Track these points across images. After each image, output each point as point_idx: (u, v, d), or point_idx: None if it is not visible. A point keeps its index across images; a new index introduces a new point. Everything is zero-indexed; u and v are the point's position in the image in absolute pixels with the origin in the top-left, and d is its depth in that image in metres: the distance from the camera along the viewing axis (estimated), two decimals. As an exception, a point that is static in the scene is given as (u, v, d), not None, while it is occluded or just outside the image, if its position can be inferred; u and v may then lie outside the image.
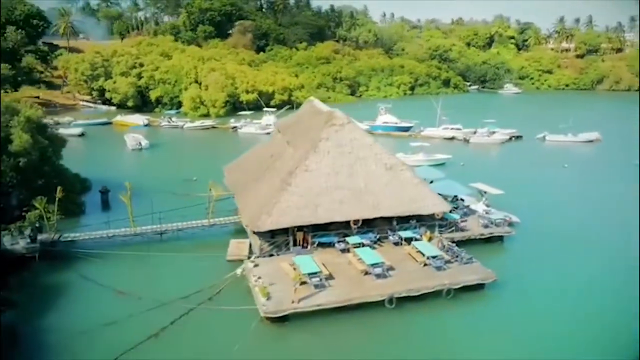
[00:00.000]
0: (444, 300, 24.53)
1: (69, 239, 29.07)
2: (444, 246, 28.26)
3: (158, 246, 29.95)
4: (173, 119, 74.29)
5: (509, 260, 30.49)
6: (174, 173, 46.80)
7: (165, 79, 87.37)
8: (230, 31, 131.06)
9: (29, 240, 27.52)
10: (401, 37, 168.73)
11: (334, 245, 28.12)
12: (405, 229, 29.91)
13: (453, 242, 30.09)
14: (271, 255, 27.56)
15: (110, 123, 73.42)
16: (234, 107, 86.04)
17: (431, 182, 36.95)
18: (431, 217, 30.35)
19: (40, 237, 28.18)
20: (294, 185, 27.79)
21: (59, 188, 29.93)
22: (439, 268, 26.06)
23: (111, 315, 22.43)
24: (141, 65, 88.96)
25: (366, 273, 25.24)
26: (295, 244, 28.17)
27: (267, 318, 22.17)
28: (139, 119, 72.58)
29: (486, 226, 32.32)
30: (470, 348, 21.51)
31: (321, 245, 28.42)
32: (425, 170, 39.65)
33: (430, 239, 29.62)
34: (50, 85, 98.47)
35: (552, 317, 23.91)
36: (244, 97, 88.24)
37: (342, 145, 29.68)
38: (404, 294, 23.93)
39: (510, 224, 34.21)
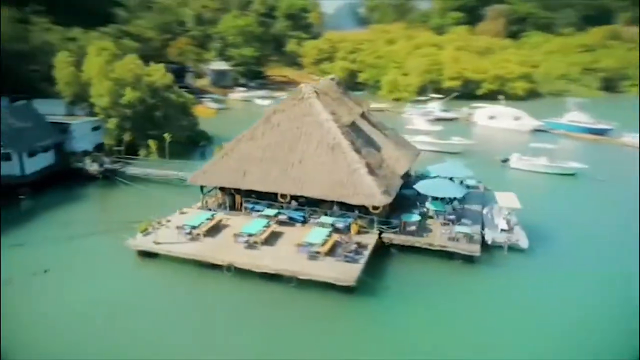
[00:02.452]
0: (286, 288, 22.94)
1: (122, 169, 39.18)
2: (346, 241, 25.24)
3: (171, 189, 36.55)
4: (355, 100, 79.23)
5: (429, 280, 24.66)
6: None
7: (375, 64, 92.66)
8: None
9: (97, 166, 38.78)
10: None
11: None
12: (344, 216, 27.73)
13: (392, 245, 26.43)
14: (209, 209, 30.57)
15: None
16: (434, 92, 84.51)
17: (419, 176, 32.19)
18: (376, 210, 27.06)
19: (107, 165, 39.18)
20: (235, 151, 29.84)
21: (126, 134, 40.39)
22: (310, 257, 24.08)
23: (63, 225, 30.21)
24: (360, 50, 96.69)
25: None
26: (234, 206, 30.34)
27: (140, 252, 26.10)
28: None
29: (450, 239, 26.25)
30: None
31: (256, 211, 29.61)
32: (449, 165, 33.77)
33: (357, 232, 26.74)
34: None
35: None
36: (447, 84, 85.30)
37: (293, 119, 29.54)
38: (242, 266, 23.75)
39: (511, 247, 26.68)
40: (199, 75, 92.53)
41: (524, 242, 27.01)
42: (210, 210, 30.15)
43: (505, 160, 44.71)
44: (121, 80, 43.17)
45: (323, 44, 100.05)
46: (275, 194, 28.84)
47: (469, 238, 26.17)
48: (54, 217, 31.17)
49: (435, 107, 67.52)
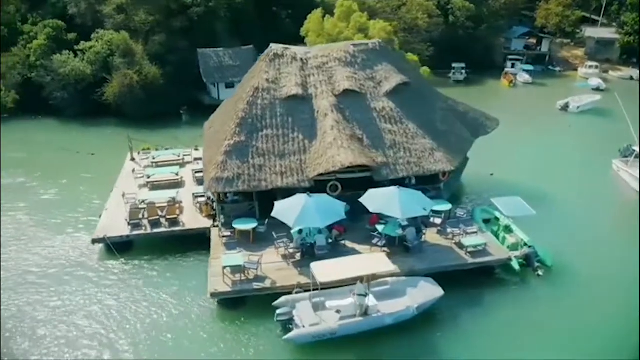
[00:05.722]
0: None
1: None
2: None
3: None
4: None
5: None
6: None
7: None
8: None
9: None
10: None
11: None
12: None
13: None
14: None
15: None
16: None
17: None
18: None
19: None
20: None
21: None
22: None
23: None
24: None
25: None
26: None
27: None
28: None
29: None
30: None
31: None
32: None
33: (208, 214, 24.31)
34: None
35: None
36: None
37: (247, 81, 26.95)
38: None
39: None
40: (580, 43, 76.08)
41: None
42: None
43: None
44: (327, 36, 46.83)
45: None
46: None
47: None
48: (173, 130, 41.42)
49: None
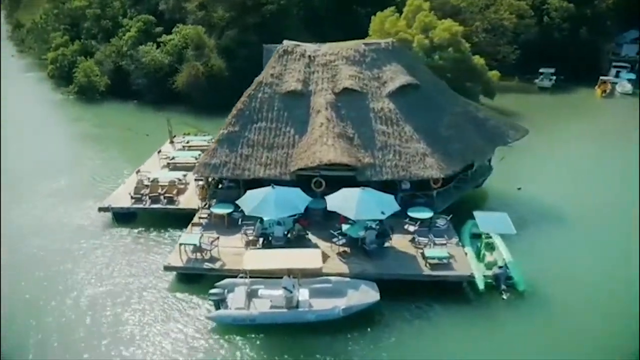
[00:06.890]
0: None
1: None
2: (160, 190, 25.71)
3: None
4: None
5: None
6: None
7: None
8: None
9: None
10: None
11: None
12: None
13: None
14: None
15: None
16: None
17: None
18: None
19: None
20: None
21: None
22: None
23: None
24: None
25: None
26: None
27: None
28: None
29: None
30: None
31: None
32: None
33: (203, 197, 25.76)
34: None
35: None
36: None
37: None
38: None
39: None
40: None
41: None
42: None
43: None
44: (386, 35, 46.17)
45: None
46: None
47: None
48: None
49: None
